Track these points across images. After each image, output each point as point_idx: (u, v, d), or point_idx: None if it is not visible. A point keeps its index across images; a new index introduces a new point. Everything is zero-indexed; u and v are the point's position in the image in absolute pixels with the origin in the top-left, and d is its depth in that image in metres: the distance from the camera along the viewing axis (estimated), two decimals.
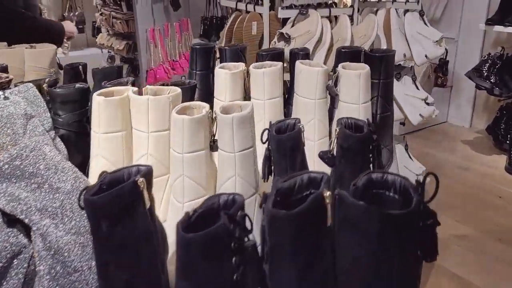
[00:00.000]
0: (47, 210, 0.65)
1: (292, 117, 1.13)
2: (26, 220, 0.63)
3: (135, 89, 0.95)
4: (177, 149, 0.82)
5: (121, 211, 0.59)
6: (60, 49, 2.07)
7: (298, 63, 1.10)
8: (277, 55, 1.29)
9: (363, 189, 0.58)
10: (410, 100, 2.46)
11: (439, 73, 3.79)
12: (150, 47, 3.79)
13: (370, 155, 0.81)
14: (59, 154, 0.73)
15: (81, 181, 0.73)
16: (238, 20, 2.50)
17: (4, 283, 0.66)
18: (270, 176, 0.84)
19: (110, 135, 0.90)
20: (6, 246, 0.67)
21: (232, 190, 0.83)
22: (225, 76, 1.06)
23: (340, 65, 1.07)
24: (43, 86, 1.14)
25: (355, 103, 1.02)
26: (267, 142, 0.82)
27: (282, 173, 0.79)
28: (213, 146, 0.87)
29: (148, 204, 0.63)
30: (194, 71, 1.39)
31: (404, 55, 2.38)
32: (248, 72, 1.10)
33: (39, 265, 0.64)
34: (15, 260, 0.68)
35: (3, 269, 0.66)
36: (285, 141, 0.77)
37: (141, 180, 0.61)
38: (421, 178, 0.55)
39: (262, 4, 2.38)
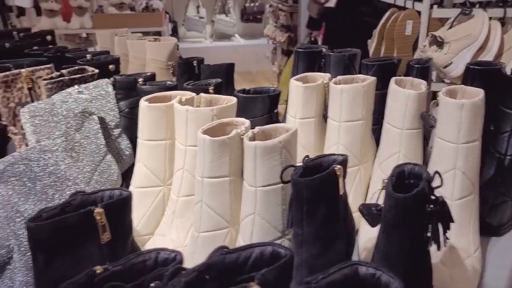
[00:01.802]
0: None
1: (381, 147, 0.92)
2: (9, 229, 0.62)
3: (190, 96, 0.88)
4: (199, 171, 0.73)
5: (65, 244, 0.53)
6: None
7: (391, 81, 0.88)
8: (387, 67, 1.07)
9: None
10: None
11: None
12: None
13: (429, 221, 0.58)
14: (69, 161, 0.70)
15: None
16: (393, 17, 2.23)
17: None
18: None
19: (151, 143, 0.85)
20: (6, 245, 0.68)
21: (250, 230, 0.70)
22: (297, 89, 0.91)
23: (444, 89, 0.81)
24: (139, 80, 1.16)
25: (453, 142, 0.76)
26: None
27: (297, 225, 0.62)
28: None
29: (106, 238, 0.55)
30: None
31: None
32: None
33: (15, 275, 0.63)
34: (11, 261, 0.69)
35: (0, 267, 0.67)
36: (301, 188, 0.60)
37: (99, 210, 0.54)
38: None
39: (422, 0, 2.07)
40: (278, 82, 4.40)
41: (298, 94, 0.91)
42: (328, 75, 0.97)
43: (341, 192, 0.63)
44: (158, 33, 3.43)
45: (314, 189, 0.60)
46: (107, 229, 0.55)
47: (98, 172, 0.89)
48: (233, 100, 0.86)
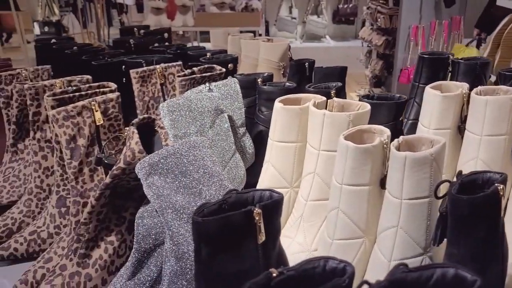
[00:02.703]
0: (184, 212, 0.66)
1: None
2: (162, 218, 0.65)
3: (322, 99, 0.87)
4: (337, 177, 0.72)
5: (226, 240, 0.54)
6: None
7: None
8: None
9: None
10: None
11: None
12: (410, 45, 3.56)
13: None
14: (213, 157, 0.73)
15: (226, 190, 0.71)
16: None
17: (143, 269, 0.71)
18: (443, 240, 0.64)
19: (282, 144, 0.86)
20: (153, 233, 0.71)
21: (391, 244, 0.68)
22: (434, 98, 0.87)
23: None
24: (258, 80, 1.18)
25: None
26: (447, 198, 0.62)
27: (453, 244, 0.59)
28: (385, 183, 0.72)
29: (262, 239, 0.56)
30: (417, 84, 1.20)
31: None
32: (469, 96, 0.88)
33: (164, 265, 0.66)
34: (158, 249, 0.72)
35: (146, 254, 0.71)
36: (462, 205, 0.56)
37: (257, 211, 0.55)
38: None
39: None
40: (370, 85, 4.28)
41: (435, 103, 0.87)
42: (466, 84, 0.91)
43: (502, 213, 0.59)
44: (253, 33, 3.50)
45: (476, 208, 0.56)
46: (263, 230, 0.56)
47: (227, 170, 0.91)
48: (367, 106, 0.84)
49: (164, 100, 1.09)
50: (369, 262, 0.73)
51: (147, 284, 0.70)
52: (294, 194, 0.88)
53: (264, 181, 0.88)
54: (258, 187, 0.89)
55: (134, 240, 0.70)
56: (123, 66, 1.21)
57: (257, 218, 0.55)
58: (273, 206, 0.57)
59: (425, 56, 1.17)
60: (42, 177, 0.93)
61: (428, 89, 0.89)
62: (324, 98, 0.89)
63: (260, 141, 1.10)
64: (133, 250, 0.70)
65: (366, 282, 0.40)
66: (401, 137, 0.70)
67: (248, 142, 1.03)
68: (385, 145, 0.70)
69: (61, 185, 0.87)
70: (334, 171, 0.73)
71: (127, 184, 0.76)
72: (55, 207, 0.87)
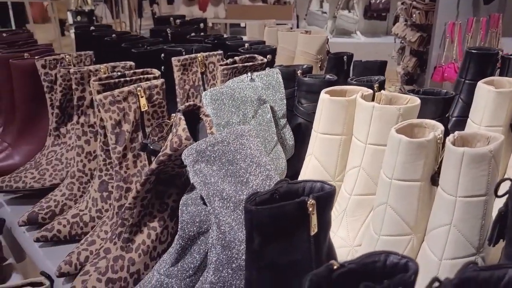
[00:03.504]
0: (231, 200, 0.65)
1: None
2: (209, 206, 0.64)
3: (369, 92, 0.85)
4: (387, 171, 0.69)
5: (279, 230, 0.53)
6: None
7: None
8: None
9: None
10: None
11: None
12: (445, 42, 3.47)
13: None
14: (260, 147, 0.71)
15: (272, 180, 0.70)
16: None
17: (186, 256, 0.70)
18: (500, 241, 0.61)
19: (327, 137, 0.84)
20: (197, 221, 0.71)
21: (443, 242, 0.66)
22: (487, 94, 0.84)
23: None
24: (297, 72, 1.17)
25: None
26: (507, 197, 0.60)
27: None
28: (436, 179, 0.70)
29: (314, 231, 0.55)
30: (463, 80, 1.16)
31: None
32: None
33: (209, 253, 0.65)
34: (201, 237, 0.72)
35: (190, 241, 0.71)
36: None
37: (311, 202, 0.54)
38: None
39: None
40: (401, 83, 4.20)
41: (488, 99, 0.83)
42: None
43: None
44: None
45: None
46: (315, 221, 0.54)
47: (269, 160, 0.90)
48: (416, 100, 0.82)
49: (204, 89, 1.08)
50: (417, 260, 0.71)
51: (190, 272, 0.70)
52: (337, 187, 0.86)
53: (306, 174, 0.87)
54: (299, 179, 0.87)
55: (179, 227, 0.69)
56: (162, 54, 1.21)
57: (310, 209, 0.53)
58: (326, 198, 0.56)
59: (473, 51, 1.13)
60: (85, 161, 0.94)
61: (481, 85, 0.86)
62: (371, 91, 0.86)
63: (299, 133, 1.08)
64: (177, 236, 0.70)
65: (437, 279, 0.39)
66: (456, 132, 0.68)
67: (288, 133, 1.01)
68: (438, 140, 0.68)
69: (104, 170, 0.87)
70: (383, 166, 0.71)
71: (171, 171, 0.75)
72: (97, 191, 0.88)
